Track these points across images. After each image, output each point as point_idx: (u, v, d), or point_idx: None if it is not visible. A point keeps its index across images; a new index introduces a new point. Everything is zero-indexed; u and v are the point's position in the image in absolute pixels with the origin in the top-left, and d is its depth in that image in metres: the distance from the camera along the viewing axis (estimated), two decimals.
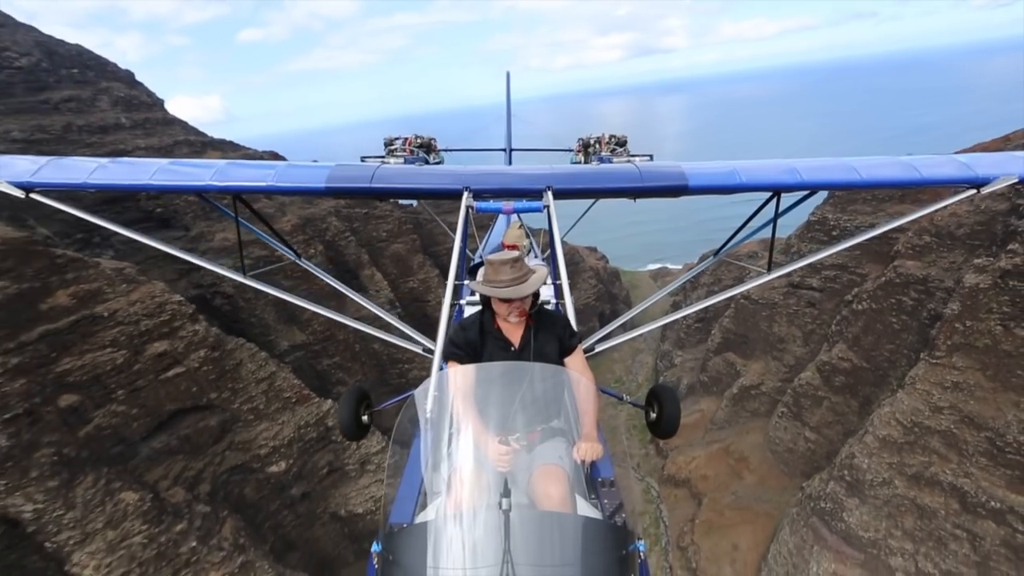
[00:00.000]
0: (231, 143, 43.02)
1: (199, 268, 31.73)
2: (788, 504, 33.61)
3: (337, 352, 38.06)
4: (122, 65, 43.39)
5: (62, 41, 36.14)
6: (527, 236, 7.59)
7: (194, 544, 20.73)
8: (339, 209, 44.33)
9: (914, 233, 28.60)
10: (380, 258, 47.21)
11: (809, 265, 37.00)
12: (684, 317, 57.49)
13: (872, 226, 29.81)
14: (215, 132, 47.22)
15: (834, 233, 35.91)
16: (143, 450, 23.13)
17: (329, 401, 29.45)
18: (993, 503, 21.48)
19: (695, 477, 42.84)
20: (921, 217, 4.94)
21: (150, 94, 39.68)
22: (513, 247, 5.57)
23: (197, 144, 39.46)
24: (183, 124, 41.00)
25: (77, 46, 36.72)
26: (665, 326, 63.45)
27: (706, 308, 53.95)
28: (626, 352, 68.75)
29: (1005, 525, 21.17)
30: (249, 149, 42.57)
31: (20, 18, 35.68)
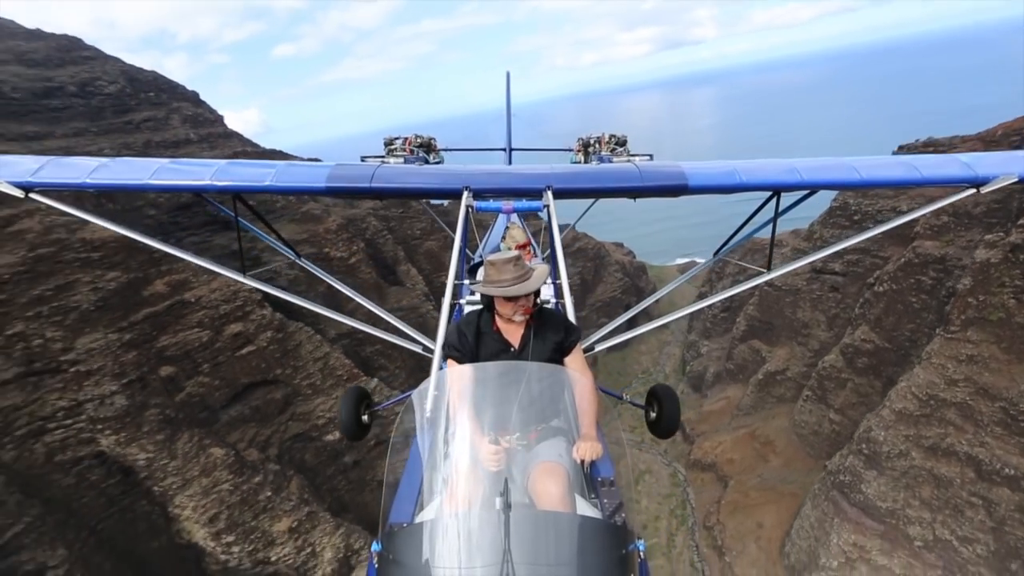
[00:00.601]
0: (281, 152, 47.62)
1: (256, 261, 35.91)
2: (812, 484, 34.53)
3: (379, 340, 41.63)
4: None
5: (140, 68, 41.43)
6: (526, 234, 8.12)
7: (269, 494, 24.37)
8: (377, 210, 48.15)
9: (932, 214, 29.23)
10: (415, 254, 50.79)
11: (824, 245, 37.83)
12: (710, 307, 58.45)
13: (895, 210, 30.53)
14: (260, 144, 52.11)
15: (855, 218, 36.54)
16: (223, 416, 27.11)
17: (375, 380, 32.88)
18: (1008, 470, 22.29)
19: (721, 461, 43.98)
20: (925, 213, 4.98)
21: (212, 111, 44.69)
22: (524, 246, 5.74)
23: (253, 155, 44.05)
24: (240, 136, 45.85)
25: (153, 72, 41.97)
26: (692, 317, 64.32)
27: (731, 297, 54.83)
28: (653, 344, 69.86)
29: (1020, 491, 21.95)
30: (298, 157, 47.02)
31: (94, 44, 41.20)
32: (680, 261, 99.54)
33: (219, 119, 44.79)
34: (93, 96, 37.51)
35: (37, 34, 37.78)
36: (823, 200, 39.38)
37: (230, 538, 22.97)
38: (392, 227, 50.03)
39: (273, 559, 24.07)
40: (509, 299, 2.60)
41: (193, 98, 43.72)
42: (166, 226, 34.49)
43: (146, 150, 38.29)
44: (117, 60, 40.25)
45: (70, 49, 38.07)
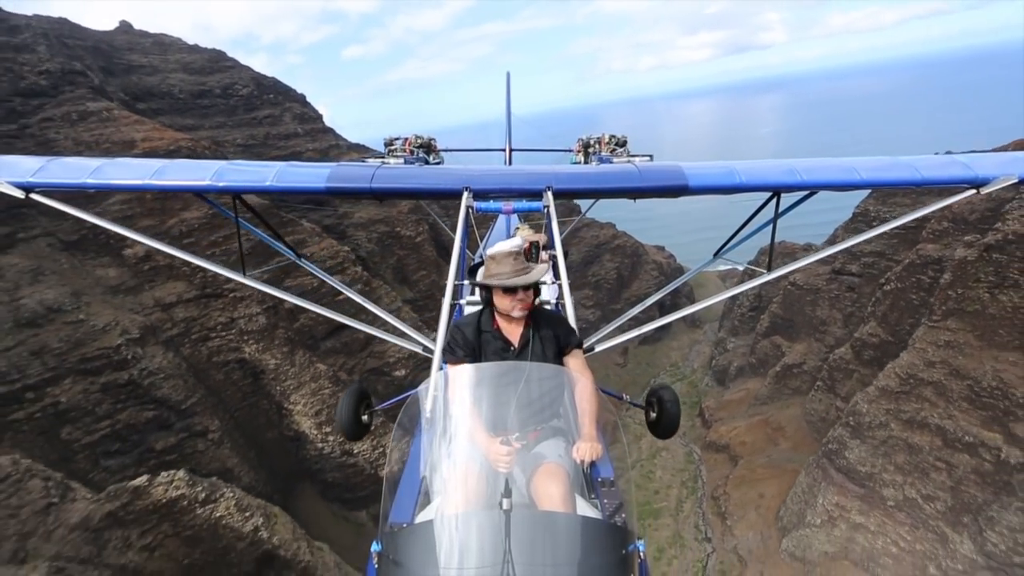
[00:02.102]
0: (363, 146, 56.81)
1: (348, 233, 44.57)
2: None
3: (436, 308, 49.62)
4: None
5: (264, 75, 51.83)
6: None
7: None
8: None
9: (935, 220, 32.73)
10: (468, 240, 58.44)
11: (849, 252, 41.35)
12: (738, 306, 61.86)
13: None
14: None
15: (874, 224, 39.88)
16: (322, 346, 35.59)
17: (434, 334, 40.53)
18: (968, 438, 26.07)
19: (734, 443, 48.14)
20: (917, 217, 5.05)
21: (314, 110, 54.60)
22: (535, 243, 5.77)
23: (343, 147, 53.45)
24: (334, 132, 55.45)
25: (273, 79, 52.29)
26: (722, 316, 67.70)
27: (759, 296, 57.90)
28: (684, 341, 73.93)
29: (976, 456, 25.70)
30: (375, 151, 56.01)
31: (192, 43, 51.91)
32: (722, 268, 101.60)
33: (319, 117, 54.63)
34: (231, 97, 48.06)
35: (195, 48, 48.86)
36: (823, 201, 42.65)
37: (327, 429, 31.09)
38: (450, 213, 58.06)
39: (355, 452, 32.03)
40: (508, 292, 2.62)
41: (301, 99, 53.76)
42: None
43: (266, 140, 48.42)
44: (248, 68, 50.82)
45: (217, 60, 48.88)
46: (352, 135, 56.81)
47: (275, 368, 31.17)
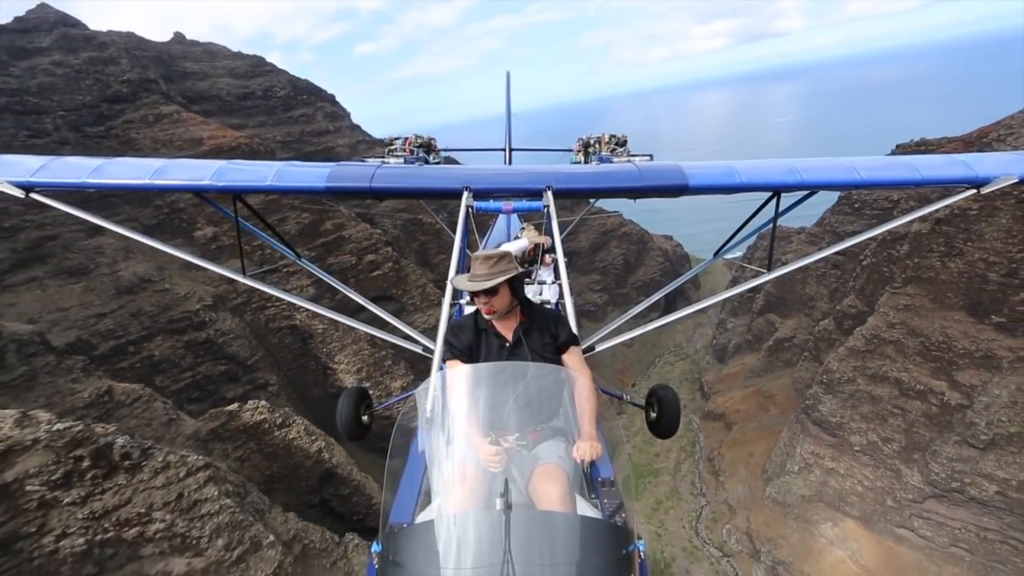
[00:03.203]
0: (384, 142, 62.05)
1: (375, 220, 49.89)
2: None
3: None
4: None
5: (298, 78, 57.39)
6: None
7: (389, 363, 37.84)
8: None
9: (904, 200, 36.73)
10: None
11: (834, 233, 45.34)
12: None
13: (887, 199, 38.68)
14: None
15: (856, 206, 43.87)
16: (359, 317, 41.10)
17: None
18: (919, 386, 30.37)
19: (730, 411, 52.65)
20: (916, 217, 5.08)
21: (343, 109, 60.05)
22: (539, 245, 5.69)
23: (369, 142, 58.84)
24: (360, 128, 60.87)
25: (306, 81, 57.84)
26: (723, 299, 71.69)
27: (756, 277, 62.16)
28: (688, 324, 78.16)
29: (926, 401, 30.01)
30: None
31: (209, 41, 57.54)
32: (727, 257, 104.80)
33: (347, 115, 60.06)
34: (271, 98, 53.78)
35: (239, 55, 54.61)
36: (824, 200, 46.54)
37: (368, 385, 36.60)
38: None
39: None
40: (475, 294, 2.69)
41: (331, 99, 59.27)
42: None
43: (301, 137, 54.04)
44: (285, 72, 56.41)
45: (258, 65, 54.59)
46: (366, 130, 61.79)
47: (322, 333, 36.75)
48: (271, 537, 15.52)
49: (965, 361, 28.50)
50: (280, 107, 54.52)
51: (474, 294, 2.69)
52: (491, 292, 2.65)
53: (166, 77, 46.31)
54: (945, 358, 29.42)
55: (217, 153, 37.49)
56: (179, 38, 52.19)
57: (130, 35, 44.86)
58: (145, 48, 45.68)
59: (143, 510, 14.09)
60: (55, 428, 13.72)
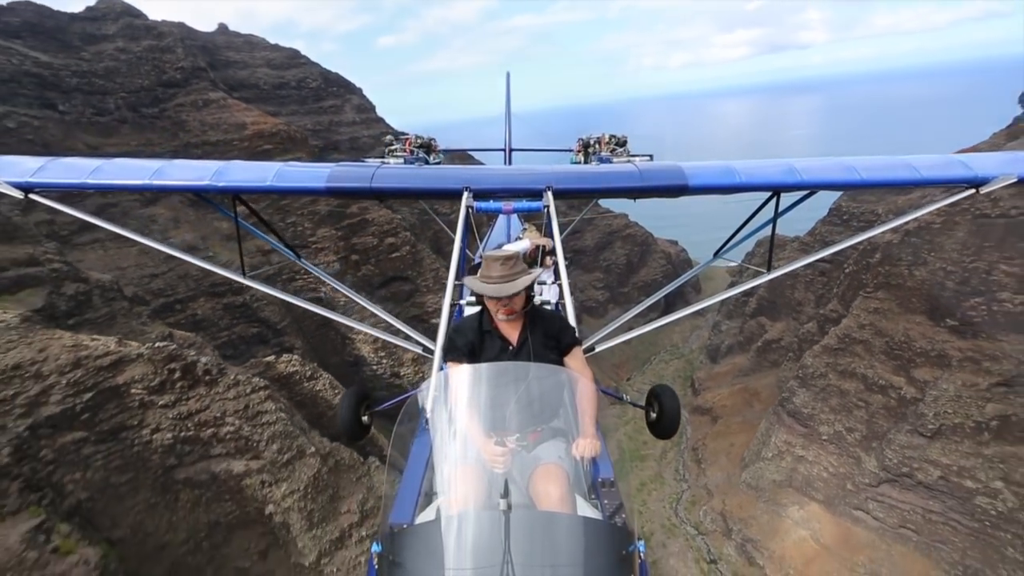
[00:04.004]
0: (405, 135, 66.02)
1: (394, 207, 53.80)
2: None
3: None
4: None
5: (329, 71, 61.54)
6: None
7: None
8: None
9: (885, 213, 39.94)
10: None
11: (823, 241, 48.50)
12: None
13: (872, 212, 42.16)
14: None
15: (845, 218, 47.05)
16: (376, 293, 45.09)
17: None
18: (881, 382, 33.69)
19: (717, 407, 56.05)
20: (916, 217, 5.17)
21: (369, 102, 64.14)
22: (539, 247, 5.73)
23: (393, 132, 62.85)
24: (384, 121, 64.94)
25: (337, 74, 61.97)
26: (720, 301, 75.03)
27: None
28: (686, 326, 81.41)
29: (886, 395, 33.34)
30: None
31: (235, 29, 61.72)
32: (730, 264, 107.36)
33: (373, 107, 64.16)
34: (303, 89, 58.00)
35: (276, 47, 58.86)
36: (823, 201, 49.66)
37: (382, 354, 40.60)
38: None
39: (402, 375, 41.47)
40: (492, 297, 2.71)
41: (359, 92, 63.41)
42: None
43: (330, 127, 58.18)
44: (317, 65, 60.61)
45: (293, 57, 58.84)
46: (388, 123, 65.75)
47: (343, 305, 40.76)
48: (312, 449, 19.41)
49: (922, 359, 31.82)
50: (311, 97, 58.69)
51: (493, 297, 2.71)
52: (513, 295, 2.68)
53: (211, 65, 50.63)
54: (905, 356, 32.74)
55: (260, 137, 41.66)
56: (223, 29, 56.54)
57: (181, 25, 49.20)
58: (194, 38, 50.00)
59: (218, 415, 18.03)
60: (156, 345, 17.73)
